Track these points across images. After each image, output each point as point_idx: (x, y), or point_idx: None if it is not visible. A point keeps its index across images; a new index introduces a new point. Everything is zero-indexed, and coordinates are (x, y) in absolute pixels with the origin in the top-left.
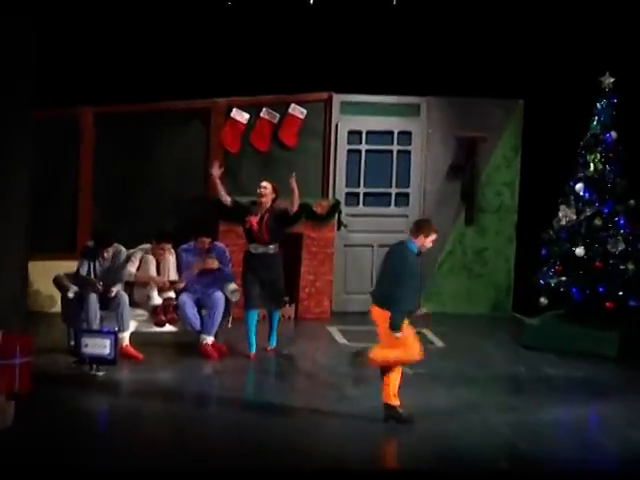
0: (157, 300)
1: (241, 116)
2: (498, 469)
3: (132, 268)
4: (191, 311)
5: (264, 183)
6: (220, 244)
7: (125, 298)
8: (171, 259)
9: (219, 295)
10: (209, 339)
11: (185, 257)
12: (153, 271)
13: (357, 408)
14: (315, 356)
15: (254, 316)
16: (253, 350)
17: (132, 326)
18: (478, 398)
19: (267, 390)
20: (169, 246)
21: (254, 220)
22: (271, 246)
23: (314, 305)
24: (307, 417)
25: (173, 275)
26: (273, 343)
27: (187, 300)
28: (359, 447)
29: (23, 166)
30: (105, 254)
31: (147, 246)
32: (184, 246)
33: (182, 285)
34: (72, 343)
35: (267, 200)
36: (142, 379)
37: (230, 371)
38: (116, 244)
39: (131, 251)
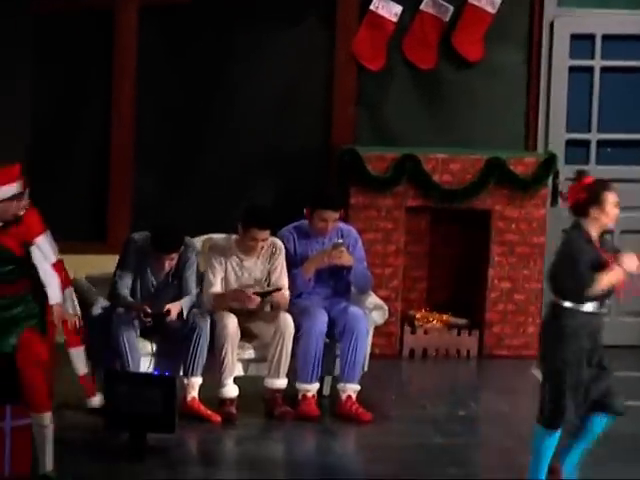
0: None
1: (388, 9)
2: None
3: (213, 286)
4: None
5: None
6: (349, 227)
7: (202, 325)
8: (279, 258)
9: (359, 313)
10: (352, 388)
11: (293, 246)
12: (247, 279)
13: None
14: (513, 420)
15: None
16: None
17: (236, 369)
18: None
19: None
20: (266, 234)
21: None
22: None
23: (512, 332)
24: None
25: (284, 281)
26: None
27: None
28: None
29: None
30: (163, 264)
31: (226, 238)
32: (288, 228)
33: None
34: (99, 395)
35: None
36: (218, 457)
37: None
38: (189, 239)
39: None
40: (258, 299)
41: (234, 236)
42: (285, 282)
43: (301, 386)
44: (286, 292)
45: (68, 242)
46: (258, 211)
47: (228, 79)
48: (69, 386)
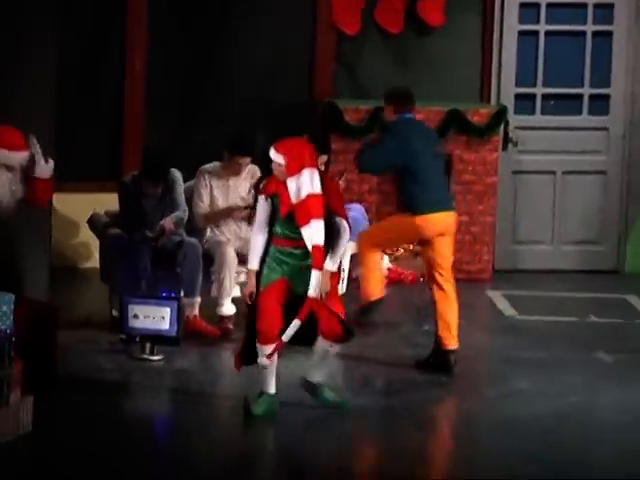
0: None
1: None
2: None
3: (200, 206)
4: None
5: None
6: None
7: (195, 249)
8: (257, 174)
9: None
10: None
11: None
12: (233, 197)
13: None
14: (469, 334)
15: None
16: None
17: (233, 291)
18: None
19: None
20: (247, 160)
21: None
22: None
23: (468, 260)
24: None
25: None
26: None
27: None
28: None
29: (47, 49)
30: (154, 190)
31: (213, 165)
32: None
33: None
34: (115, 313)
35: None
36: (218, 367)
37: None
38: (171, 170)
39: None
40: (244, 211)
41: (219, 163)
42: None
43: None
44: None
45: (89, 183)
46: (241, 139)
47: (227, 41)
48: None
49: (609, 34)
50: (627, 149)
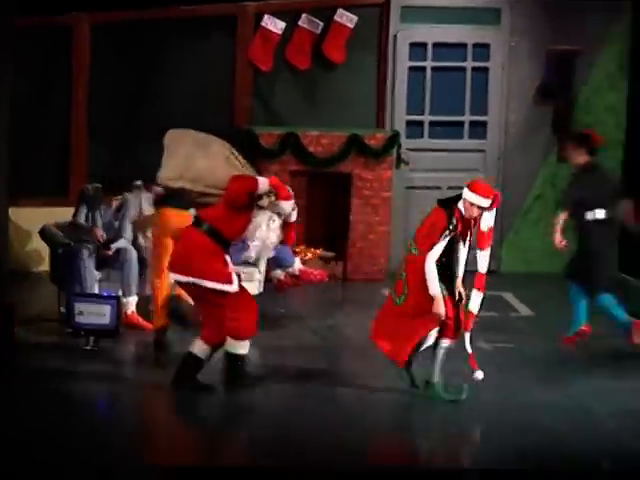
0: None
1: (275, 25)
2: (598, 470)
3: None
4: None
5: None
6: None
7: (132, 255)
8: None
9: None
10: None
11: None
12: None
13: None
14: (367, 327)
15: None
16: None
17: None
18: (573, 381)
19: (309, 368)
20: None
21: None
22: None
23: (367, 263)
24: (357, 401)
25: None
26: None
27: None
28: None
29: (2, 87)
30: (110, 204)
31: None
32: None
33: None
34: (63, 310)
35: None
36: (152, 356)
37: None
38: (126, 193)
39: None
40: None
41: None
42: None
43: None
44: None
45: (39, 198)
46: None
47: (160, 76)
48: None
49: (486, 69)
50: (501, 169)
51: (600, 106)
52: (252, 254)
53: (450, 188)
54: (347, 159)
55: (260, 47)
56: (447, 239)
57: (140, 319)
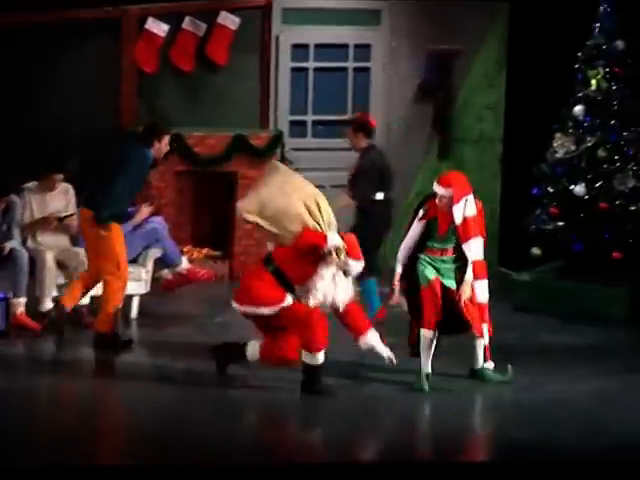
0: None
1: (158, 27)
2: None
3: (22, 219)
4: None
5: None
6: None
7: (22, 256)
8: (70, 191)
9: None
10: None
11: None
12: (49, 212)
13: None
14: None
15: None
16: None
17: (53, 292)
18: (457, 374)
19: (201, 368)
20: (60, 177)
21: None
22: None
23: (253, 261)
24: (243, 399)
25: (72, 209)
26: None
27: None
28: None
29: None
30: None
31: (32, 184)
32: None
33: None
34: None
35: None
36: (38, 354)
37: (147, 344)
38: (12, 196)
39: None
40: (55, 222)
41: (36, 183)
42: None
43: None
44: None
45: None
46: (56, 160)
47: (50, 82)
48: None
49: (367, 69)
50: None
51: (480, 104)
52: (310, 302)
53: (333, 187)
54: (232, 159)
55: (144, 49)
56: (420, 224)
57: (29, 320)
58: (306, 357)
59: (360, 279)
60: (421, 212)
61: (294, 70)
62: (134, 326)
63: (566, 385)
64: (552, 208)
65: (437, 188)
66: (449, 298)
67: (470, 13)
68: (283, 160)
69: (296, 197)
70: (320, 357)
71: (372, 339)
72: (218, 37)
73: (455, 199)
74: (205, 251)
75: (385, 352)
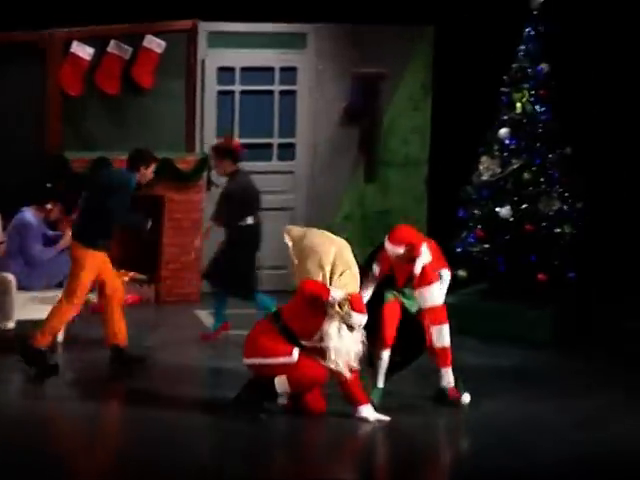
0: None
1: (84, 51)
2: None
3: None
4: None
5: None
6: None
7: None
8: None
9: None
10: None
11: (36, 227)
12: None
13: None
14: (180, 347)
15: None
16: None
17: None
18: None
19: (125, 391)
20: None
21: None
22: None
23: (179, 285)
24: (172, 423)
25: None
26: None
27: None
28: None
29: None
30: None
31: None
32: (27, 212)
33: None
34: None
35: None
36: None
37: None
38: None
39: None
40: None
41: None
42: None
43: None
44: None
45: None
46: None
47: None
48: None
49: (293, 92)
50: (311, 189)
51: (406, 127)
52: (329, 364)
53: (266, 209)
54: (158, 182)
55: (69, 73)
56: (374, 280)
57: None
58: (278, 381)
59: (246, 299)
60: (375, 269)
61: (220, 93)
62: (60, 349)
63: (491, 406)
64: (478, 230)
65: (389, 247)
66: (408, 318)
67: (395, 37)
68: (209, 183)
69: (333, 243)
70: (283, 395)
71: (367, 414)
72: (144, 60)
73: (416, 252)
74: (131, 274)
75: (380, 420)
